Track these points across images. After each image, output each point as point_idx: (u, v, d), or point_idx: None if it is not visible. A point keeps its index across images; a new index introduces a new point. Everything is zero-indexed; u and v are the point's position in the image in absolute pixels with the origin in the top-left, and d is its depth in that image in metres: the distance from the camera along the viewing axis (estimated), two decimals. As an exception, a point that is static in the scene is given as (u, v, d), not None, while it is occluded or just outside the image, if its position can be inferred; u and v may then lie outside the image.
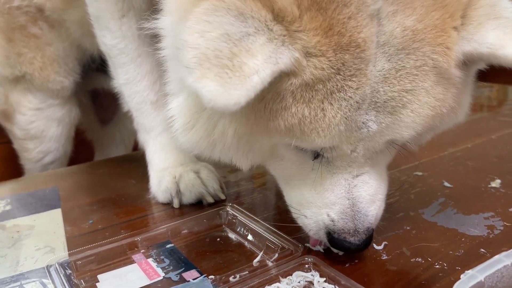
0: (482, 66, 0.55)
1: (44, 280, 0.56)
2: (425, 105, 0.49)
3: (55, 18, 1.05)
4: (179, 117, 0.55)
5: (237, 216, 0.67)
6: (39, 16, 1.06)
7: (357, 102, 0.47)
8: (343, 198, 0.54)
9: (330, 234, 0.55)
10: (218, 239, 0.65)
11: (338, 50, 0.45)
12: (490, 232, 0.63)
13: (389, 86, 0.47)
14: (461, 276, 0.40)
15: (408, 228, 0.65)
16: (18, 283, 0.57)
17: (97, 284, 0.56)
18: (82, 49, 1.10)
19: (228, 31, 0.41)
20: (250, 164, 0.57)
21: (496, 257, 0.41)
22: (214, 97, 0.40)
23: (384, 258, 0.58)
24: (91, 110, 1.36)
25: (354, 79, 0.46)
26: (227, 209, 0.70)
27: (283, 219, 0.70)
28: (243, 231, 0.65)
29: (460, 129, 1.10)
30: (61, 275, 0.54)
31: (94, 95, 1.32)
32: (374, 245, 0.61)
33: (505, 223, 0.65)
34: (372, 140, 0.50)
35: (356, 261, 0.58)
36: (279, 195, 0.79)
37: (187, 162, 0.80)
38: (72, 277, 0.55)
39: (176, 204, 0.76)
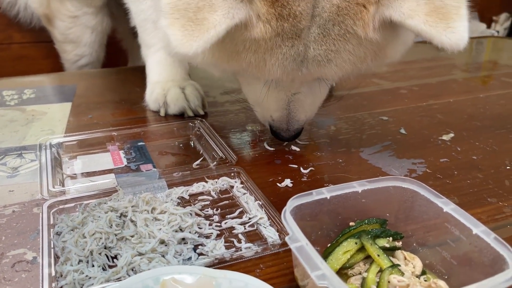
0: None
1: (37, 153, 0.73)
2: (347, 61, 0.60)
3: None
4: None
5: (200, 129, 0.80)
6: None
7: (292, 56, 0.59)
8: (282, 108, 0.70)
9: (271, 127, 0.74)
10: (181, 145, 0.79)
11: (279, 19, 0.55)
12: (408, 174, 0.71)
13: (318, 45, 0.58)
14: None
15: (340, 160, 0.75)
16: (19, 152, 0.74)
17: (74, 161, 0.72)
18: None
19: None
20: (221, 75, 0.72)
21: (351, 183, 0.51)
22: (178, 45, 0.51)
23: (303, 179, 0.69)
24: (125, 22, 1.49)
25: (290, 40, 0.57)
26: (196, 122, 0.82)
27: (236, 137, 0.82)
28: (202, 142, 0.78)
29: (452, 84, 1.14)
30: (48, 151, 0.70)
31: (127, 9, 1.44)
32: (301, 169, 0.71)
33: (427, 170, 0.72)
34: (305, 78, 0.64)
35: (279, 178, 0.69)
36: (246, 119, 0.90)
37: (177, 79, 0.92)
38: (56, 154, 0.71)
39: (162, 113, 0.90)
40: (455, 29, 0.51)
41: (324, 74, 0.63)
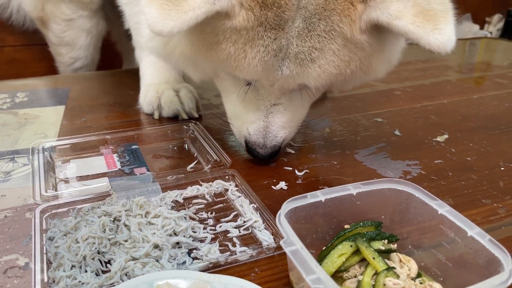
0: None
1: (30, 157, 0.72)
2: (331, 63, 0.58)
3: None
4: (144, 29, 0.66)
5: (194, 132, 0.79)
6: None
7: (274, 50, 0.57)
8: (260, 119, 0.67)
9: (246, 143, 0.70)
10: (175, 148, 0.79)
11: (263, 8, 0.54)
12: (403, 176, 0.71)
13: (301, 41, 0.57)
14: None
15: (335, 163, 0.74)
16: (12, 156, 0.74)
17: (67, 165, 0.71)
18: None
19: None
20: (199, 78, 0.71)
21: (345, 186, 0.51)
22: (153, 23, 0.50)
23: (298, 182, 0.69)
24: (119, 25, 1.48)
25: (273, 31, 0.56)
26: (190, 125, 0.82)
27: (231, 140, 0.82)
28: (196, 145, 0.77)
29: (446, 85, 1.14)
30: (40, 155, 0.70)
31: (121, 12, 1.44)
32: (296, 171, 0.71)
33: (422, 171, 0.72)
34: (286, 82, 0.61)
35: (274, 180, 0.69)
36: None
37: (171, 81, 0.92)
38: (49, 158, 0.70)
39: (156, 115, 0.89)
40: (443, 31, 0.51)
41: (306, 77, 0.60)
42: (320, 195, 0.49)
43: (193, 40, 0.60)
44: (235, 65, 0.59)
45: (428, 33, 0.51)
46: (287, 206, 0.47)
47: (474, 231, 0.44)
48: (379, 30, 0.57)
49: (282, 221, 0.44)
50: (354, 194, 0.51)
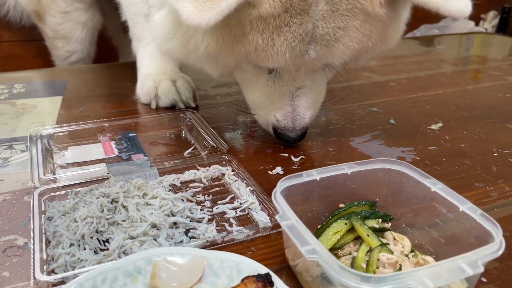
0: (410, 3, 0.63)
1: (28, 144, 0.72)
2: (354, 39, 0.60)
3: None
4: (162, 28, 0.67)
5: (191, 120, 0.80)
6: None
7: (300, 35, 0.58)
8: (286, 105, 0.69)
9: (275, 129, 0.71)
10: (172, 136, 0.79)
11: None
12: (397, 162, 0.72)
13: (326, 23, 0.58)
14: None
15: (330, 149, 0.75)
16: (10, 143, 0.74)
17: (65, 152, 0.72)
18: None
19: None
20: (218, 74, 0.70)
21: (340, 165, 0.52)
22: (190, 17, 0.51)
23: (294, 167, 0.70)
24: (115, 19, 1.49)
25: (298, 17, 0.57)
26: (187, 114, 0.82)
27: (227, 128, 0.82)
28: (193, 132, 0.78)
29: (441, 77, 1.15)
30: (38, 141, 0.70)
31: (117, 4, 1.44)
32: (292, 157, 0.72)
33: (416, 157, 0.73)
34: (312, 64, 0.63)
35: (270, 166, 0.70)
36: (237, 111, 0.90)
37: (168, 72, 0.93)
38: (47, 144, 0.71)
39: (153, 105, 0.90)
40: None
41: (331, 57, 0.62)
42: (315, 174, 0.50)
43: (218, 35, 0.60)
44: (263, 55, 0.59)
45: (447, 1, 0.53)
46: (283, 184, 0.48)
47: (465, 206, 0.45)
48: (394, 1, 0.59)
49: (277, 197, 0.45)
50: (349, 174, 0.51)
